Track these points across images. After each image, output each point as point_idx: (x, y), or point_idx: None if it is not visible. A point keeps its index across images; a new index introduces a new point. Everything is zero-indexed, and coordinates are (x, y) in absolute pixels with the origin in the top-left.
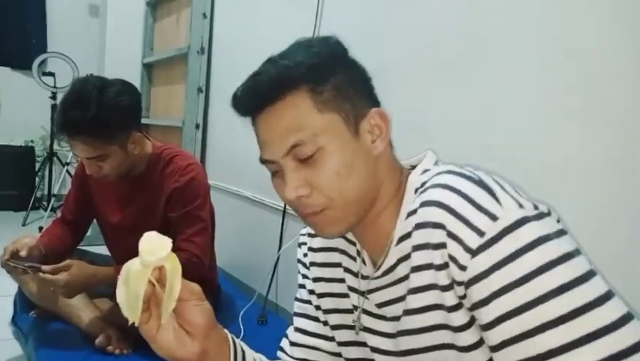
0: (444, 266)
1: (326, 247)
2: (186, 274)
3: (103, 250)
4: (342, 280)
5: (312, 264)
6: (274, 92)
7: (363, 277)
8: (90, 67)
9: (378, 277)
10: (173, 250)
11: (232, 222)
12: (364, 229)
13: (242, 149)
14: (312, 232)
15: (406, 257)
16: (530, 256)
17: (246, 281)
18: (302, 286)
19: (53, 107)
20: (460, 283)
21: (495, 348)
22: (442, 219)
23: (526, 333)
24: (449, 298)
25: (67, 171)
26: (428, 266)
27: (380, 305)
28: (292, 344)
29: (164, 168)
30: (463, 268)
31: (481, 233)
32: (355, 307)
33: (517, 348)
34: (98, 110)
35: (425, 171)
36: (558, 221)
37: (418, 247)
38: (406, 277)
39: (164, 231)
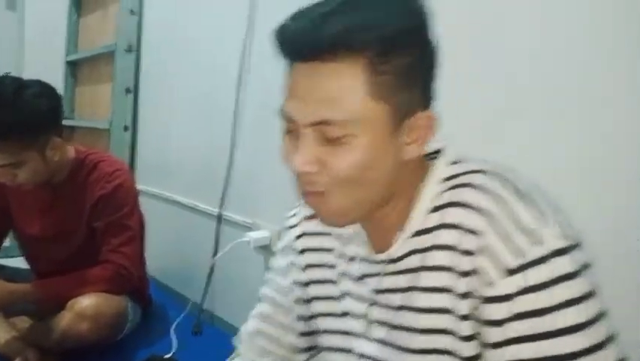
0: (468, 274)
1: (322, 232)
2: (114, 287)
3: (20, 263)
4: (333, 266)
5: (306, 249)
6: (337, 48)
7: (363, 260)
8: (7, 65)
9: (382, 263)
10: (100, 261)
11: (164, 228)
12: (372, 220)
13: (174, 152)
14: (308, 213)
15: (422, 251)
16: (560, 288)
17: (180, 290)
18: (282, 273)
19: None
20: (478, 297)
21: None
22: (481, 228)
23: (540, 359)
24: (463, 307)
25: None
26: (449, 269)
27: (378, 291)
28: (257, 331)
29: (88, 174)
30: (490, 283)
31: (521, 254)
32: (345, 294)
33: None
34: (13, 113)
35: (455, 162)
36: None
37: (441, 247)
38: (414, 271)
39: (88, 241)
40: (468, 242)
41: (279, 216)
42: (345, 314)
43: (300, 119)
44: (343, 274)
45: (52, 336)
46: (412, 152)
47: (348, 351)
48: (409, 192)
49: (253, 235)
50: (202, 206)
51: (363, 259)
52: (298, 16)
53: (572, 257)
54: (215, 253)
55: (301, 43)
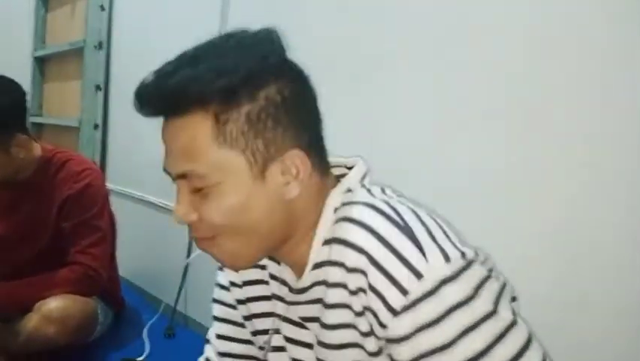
0: (362, 313)
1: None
2: (82, 289)
3: None
4: (267, 283)
5: (233, 284)
6: (178, 104)
7: (285, 284)
8: None
9: (297, 292)
10: (68, 262)
11: (136, 229)
12: (283, 255)
13: (146, 151)
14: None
15: (320, 284)
16: (454, 319)
17: (153, 292)
18: (224, 288)
19: None
20: (379, 338)
21: None
22: (363, 267)
23: None
24: (370, 344)
25: None
26: (344, 306)
27: (300, 318)
28: (222, 354)
29: (55, 173)
30: (383, 326)
31: (405, 292)
32: (277, 315)
33: None
34: None
35: (348, 190)
36: (484, 261)
37: (333, 285)
38: (320, 301)
39: (54, 242)
40: (354, 281)
41: None
42: (268, 343)
43: (171, 172)
44: (275, 296)
45: (18, 339)
46: (294, 190)
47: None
48: (309, 231)
49: None
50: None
51: (286, 285)
52: (150, 75)
53: (460, 284)
54: (188, 254)
55: (148, 101)
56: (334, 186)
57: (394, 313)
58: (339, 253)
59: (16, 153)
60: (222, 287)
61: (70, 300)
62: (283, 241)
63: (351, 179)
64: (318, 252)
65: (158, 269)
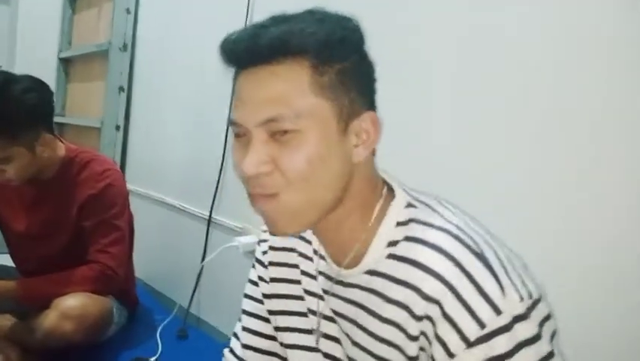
0: (416, 339)
1: (287, 247)
2: (99, 287)
3: (7, 260)
4: (298, 282)
5: (271, 263)
6: (276, 51)
7: (322, 275)
8: None
9: (340, 284)
10: (87, 260)
11: (153, 230)
12: (326, 230)
13: (166, 153)
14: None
15: (370, 292)
16: (521, 356)
17: (167, 293)
18: (254, 284)
19: None
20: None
21: None
22: (440, 296)
23: None
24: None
25: None
26: (397, 325)
27: (336, 313)
28: (245, 346)
29: (78, 173)
30: (451, 355)
31: (482, 325)
32: (311, 311)
33: None
34: (0, 108)
35: (410, 205)
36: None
37: (394, 302)
38: (356, 305)
39: (75, 241)
40: (423, 308)
41: None
42: (317, 335)
43: (248, 122)
44: (308, 292)
45: (36, 335)
46: (360, 154)
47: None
48: (362, 207)
49: (242, 239)
50: (192, 209)
51: (325, 275)
52: (240, 30)
53: (531, 322)
54: (203, 257)
55: (243, 49)
56: (382, 187)
57: (468, 344)
58: (412, 275)
59: (41, 151)
60: (252, 283)
61: (88, 298)
62: (334, 209)
63: (404, 195)
64: (375, 261)
65: (173, 271)
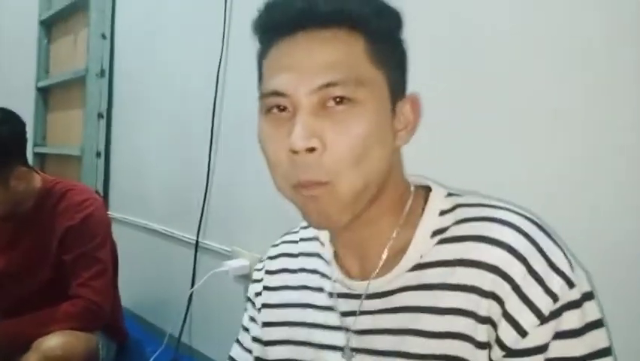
0: (487, 321)
1: (287, 286)
2: (84, 324)
3: None
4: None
5: (265, 306)
6: (336, 13)
7: (343, 296)
8: None
9: (371, 297)
10: (69, 296)
11: (139, 258)
12: (354, 231)
13: (149, 178)
14: (272, 268)
15: (421, 288)
16: (590, 336)
17: (157, 323)
18: (245, 330)
19: None
20: (505, 347)
21: None
22: (509, 269)
23: None
24: (480, 357)
25: None
26: (465, 312)
27: (361, 332)
28: None
29: (56, 204)
30: (523, 332)
31: (555, 298)
32: (335, 348)
33: None
34: None
35: (451, 194)
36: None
37: (452, 287)
38: (406, 310)
39: (56, 276)
40: (491, 282)
41: (259, 244)
42: (321, 347)
43: (299, 89)
44: (313, 324)
45: None
46: (403, 138)
47: None
48: (393, 207)
49: (232, 263)
50: (179, 234)
51: (344, 295)
52: None
53: (596, 302)
54: (193, 283)
55: (298, 11)
56: (409, 185)
57: (542, 319)
58: (469, 250)
59: (16, 185)
60: (244, 329)
61: (71, 337)
62: (370, 203)
63: (441, 189)
64: (419, 253)
65: (162, 299)
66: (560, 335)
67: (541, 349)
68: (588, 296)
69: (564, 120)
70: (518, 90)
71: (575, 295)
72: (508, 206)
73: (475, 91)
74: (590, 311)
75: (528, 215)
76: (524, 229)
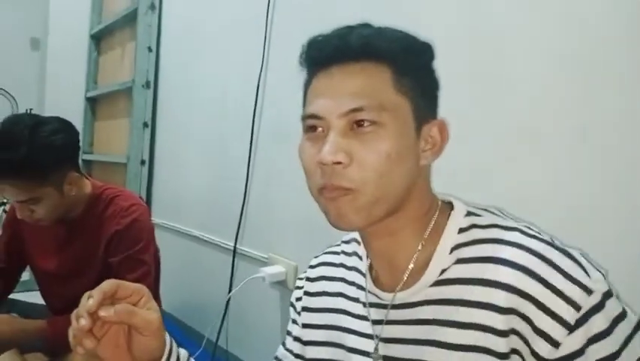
0: (507, 333)
1: (325, 292)
2: None
3: (37, 297)
4: (337, 328)
5: (305, 309)
6: (364, 51)
7: (374, 306)
8: (30, 102)
9: (397, 308)
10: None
11: (180, 263)
12: (381, 240)
13: (190, 186)
14: (312, 275)
15: (440, 303)
16: (618, 330)
17: (195, 326)
18: (288, 334)
19: None
20: (542, 359)
21: None
22: (524, 286)
23: None
24: None
25: (4, 210)
26: (483, 328)
27: (387, 340)
28: None
29: (104, 209)
30: (555, 344)
31: (577, 307)
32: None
33: None
34: (28, 150)
35: (470, 213)
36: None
37: (470, 303)
38: (427, 322)
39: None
40: (509, 301)
41: (295, 251)
42: (351, 350)
43: (331, 113)
44: (346, 329)
45: None
46: (428, 158)
47: None
48: (416, 221)
49: (268, 270)
50: (217, 240)
51: (374, 305)
52: (324, 33)
53: (615, 298)
54: (230, 288)
55: (333, 47)
56: (437, 202)
57: (569, 328)
58: (486, 271)
59: (69, 190)
60: (287, 333)
61: None
62: (394, 211)
63: (463, 206)
64: (439, 270)
65: (201, 304)
66: (593, 340)
67: (577, 353)
68: (608, 295)
69: (591, 139)
70: (542, 108)
71: (595, 299)
72: (519, 226)
73: (500, 111)
74: (613, 308)
75: (537, 234)
76: (533, 247)
